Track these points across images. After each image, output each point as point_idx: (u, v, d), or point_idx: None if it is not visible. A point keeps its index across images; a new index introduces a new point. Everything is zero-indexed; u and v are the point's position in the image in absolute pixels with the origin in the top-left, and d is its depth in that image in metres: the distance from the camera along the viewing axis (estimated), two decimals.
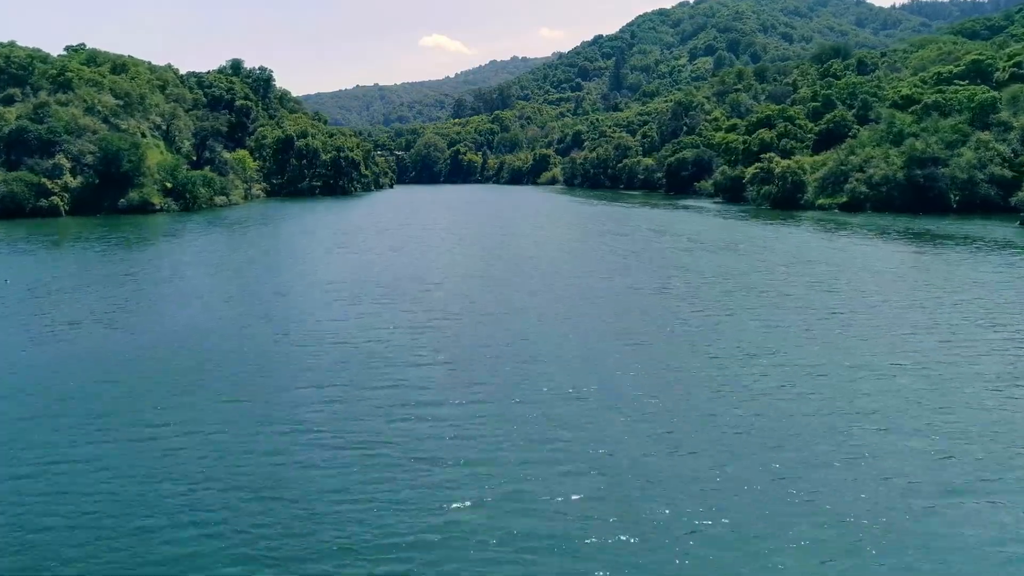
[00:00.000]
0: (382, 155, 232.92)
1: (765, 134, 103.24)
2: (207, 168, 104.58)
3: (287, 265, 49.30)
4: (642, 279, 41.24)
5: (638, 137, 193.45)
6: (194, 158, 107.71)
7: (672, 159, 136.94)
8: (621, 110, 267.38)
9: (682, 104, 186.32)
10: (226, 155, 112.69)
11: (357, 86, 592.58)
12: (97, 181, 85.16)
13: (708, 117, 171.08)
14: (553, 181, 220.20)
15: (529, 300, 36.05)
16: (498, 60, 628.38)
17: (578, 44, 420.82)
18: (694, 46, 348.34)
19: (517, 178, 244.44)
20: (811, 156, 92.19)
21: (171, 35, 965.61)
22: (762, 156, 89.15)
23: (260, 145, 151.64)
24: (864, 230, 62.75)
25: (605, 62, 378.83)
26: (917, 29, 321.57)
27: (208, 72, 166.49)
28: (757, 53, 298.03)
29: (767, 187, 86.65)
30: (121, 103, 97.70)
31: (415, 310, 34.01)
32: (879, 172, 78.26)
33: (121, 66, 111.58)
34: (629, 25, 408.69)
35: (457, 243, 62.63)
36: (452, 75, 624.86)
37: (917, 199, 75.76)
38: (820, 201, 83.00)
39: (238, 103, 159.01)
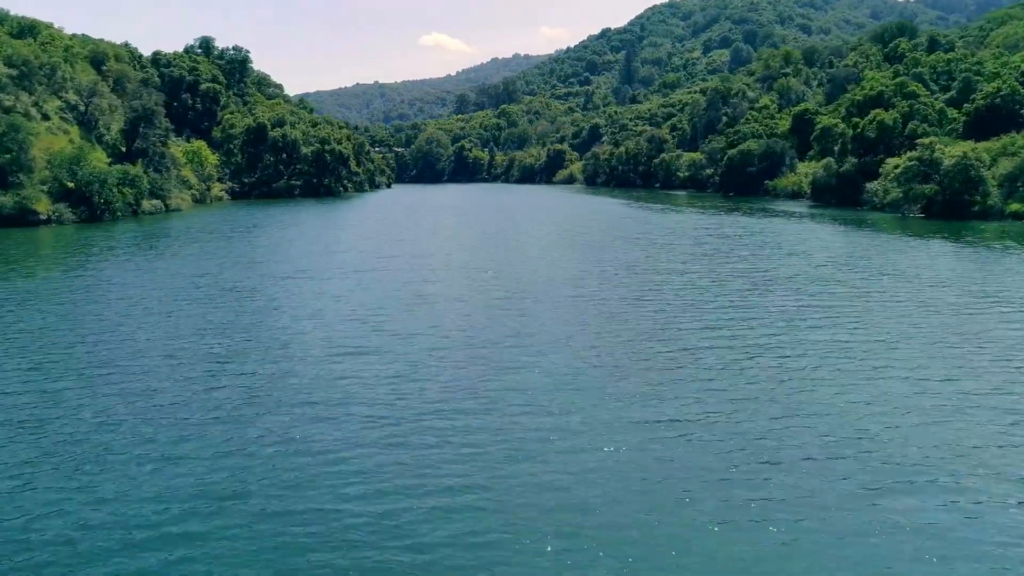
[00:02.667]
0: (379, 152, 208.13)
1: (884, 115, 77.07)
2: (140, 162, 77.48)
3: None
4: None
5: (665, 129, 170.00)
6: (123, 149, 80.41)
7: (733, 152, 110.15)
8: (640, 102, 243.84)
9: (719, 92, 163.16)
10: (165, 145, 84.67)
11: (357, 84, 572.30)
12: None
13: (756, 105, 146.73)
14: (571, 179, 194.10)
15: None
16: (500, 57, 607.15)
17: (584, 38, 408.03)
18: (708, 38, 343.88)
19: (528, 176, 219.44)
20: (970, 144, 65.98)
21: (167, 32, 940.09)
22: (916, 143, 62.57)
23: (227, 135, 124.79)
24: None
25: (614, 55, 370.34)
26: (934, 23, 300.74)
27: (173, 52, 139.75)
28: (776, 45, 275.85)
29: (925, 187, 60.17)
30: (15, 73, 70.71)
31: None
32: None
33: (30, 28, 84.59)
34: (638, 18, 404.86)
35: (500, 329, 25.34)
36: (453, 72, 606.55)
37: None
38: (1013, 207, 56.73)
39: (203, 87, 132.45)
